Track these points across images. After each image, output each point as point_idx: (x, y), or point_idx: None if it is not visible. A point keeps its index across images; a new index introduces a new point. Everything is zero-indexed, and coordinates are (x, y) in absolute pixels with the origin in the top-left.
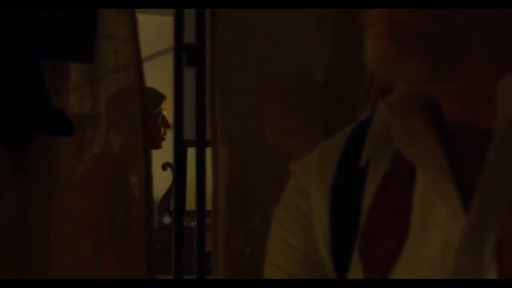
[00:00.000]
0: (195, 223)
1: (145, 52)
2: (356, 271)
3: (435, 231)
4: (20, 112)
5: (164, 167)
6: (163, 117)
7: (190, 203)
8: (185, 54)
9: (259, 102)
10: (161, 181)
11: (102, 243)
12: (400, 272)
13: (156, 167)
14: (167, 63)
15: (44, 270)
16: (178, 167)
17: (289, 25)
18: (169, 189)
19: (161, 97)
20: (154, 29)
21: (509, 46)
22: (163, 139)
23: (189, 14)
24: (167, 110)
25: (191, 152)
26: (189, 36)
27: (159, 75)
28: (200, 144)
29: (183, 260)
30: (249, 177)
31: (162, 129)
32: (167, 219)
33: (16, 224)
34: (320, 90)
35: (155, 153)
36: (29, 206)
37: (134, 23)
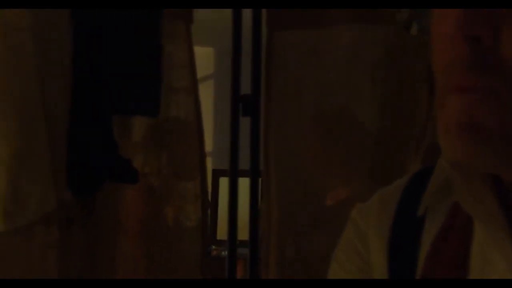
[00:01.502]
0: (226, 252)
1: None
2: None
3: (492, 275)
4: (91, 161)
5: None
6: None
7: (221, 232)
8: (241, 104)
9: (309, 147)
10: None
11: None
12: None
13: None
14: (205, 90)
15: None
16: (232, 200)
17: (340, 76)
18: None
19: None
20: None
21: None
22: None
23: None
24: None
25: (223, 182)
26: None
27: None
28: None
29: None
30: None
31: None
32: None
33: (83, 267)
34: (369, 139)
35: None
36: (94, 250)
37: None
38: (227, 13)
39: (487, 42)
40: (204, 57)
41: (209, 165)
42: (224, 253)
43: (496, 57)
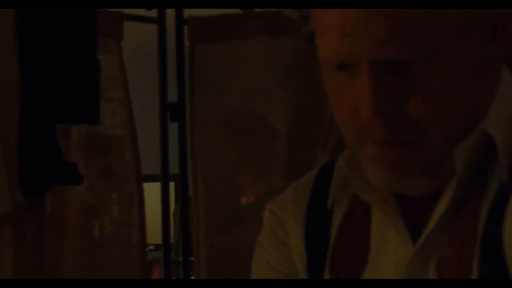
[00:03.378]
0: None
1: None
2: None
3: (389, 254)
4: (40, 166)
5: None
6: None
7: None
8: (169, 110)
9: (230, 149)
10: None
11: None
12: None
13: None
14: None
15: None
16: (164, 203)
17: (255, 83)
18: None
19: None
20: None
21: None
22: None
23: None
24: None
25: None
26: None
27: None
28: (184, 178)
29: None
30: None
31: None
32: None
33: (34, 261)
34: (280, 138)
35: None
36: (44, 245)
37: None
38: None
39: (396, 112)
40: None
41: None
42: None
43: (402, 116)
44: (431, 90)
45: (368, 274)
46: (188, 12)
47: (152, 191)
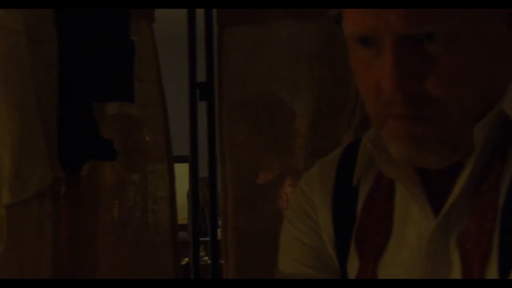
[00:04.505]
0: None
1: None
2: (353, 262)
3: (412, 227)
4: (77, 143)
5: None
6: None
7: None
8: (198, 90)
9: (260, 127)
10: None
11: (132, 259)
12: (387, 259)
13: None
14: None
15: (93, 273)
16: (193, 182)
17: (282, 67)
18: None
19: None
20: None
21: None
22: None
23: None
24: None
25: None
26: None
27: None
28: (212, 158)
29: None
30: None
31: None
32: None
33: (71, 232)
34: (304, 120)
35: None
36: (80, 222)
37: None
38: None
39: (416, 89)
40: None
41: None
42: None
43: (423, 93)
44: (451, 68)
45: (392, 247)
46: None
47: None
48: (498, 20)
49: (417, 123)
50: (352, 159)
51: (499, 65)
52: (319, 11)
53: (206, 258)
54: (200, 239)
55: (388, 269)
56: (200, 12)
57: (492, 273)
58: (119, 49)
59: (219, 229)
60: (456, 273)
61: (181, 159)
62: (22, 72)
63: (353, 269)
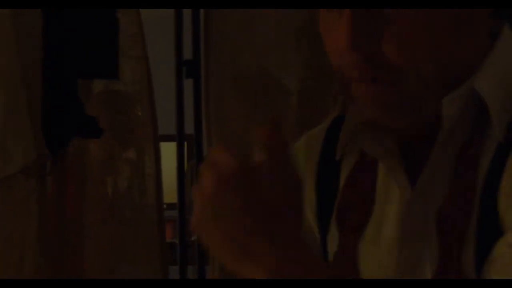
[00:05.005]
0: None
1: None
2: (334, 235)
3: (393, 205)
4: (62, 120)
5: None
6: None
7: None
8: (185, 68)
9: (242, 106)
10: None
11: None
12: (368, 237)
13: None
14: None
15: (81, 255)
16: (179, 164)
17: (270, 41)
18: None
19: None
20: None
21: None
22: None
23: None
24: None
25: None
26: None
27: None
28: (198, 138)
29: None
30: None
31: None
32: None
33: (57, 216)
34: (292, 96)
35: None
36: (66, 200)
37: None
38: None
39: (372, 50)
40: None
41: None
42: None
43: (379, 56)
44: (407, 32)
45: (373, 224)
46: None
47: (165, 151)
48: None
49: (375, 86)
50: (338, 133)
51: (463, 40)
52: None
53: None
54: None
55: (368, 247)
56: None
57: (469, 254)
58: (103, 25)
59: None
60: (433, 254)
61: (173, 138)
62: (5, 48)
63: (333, 246)
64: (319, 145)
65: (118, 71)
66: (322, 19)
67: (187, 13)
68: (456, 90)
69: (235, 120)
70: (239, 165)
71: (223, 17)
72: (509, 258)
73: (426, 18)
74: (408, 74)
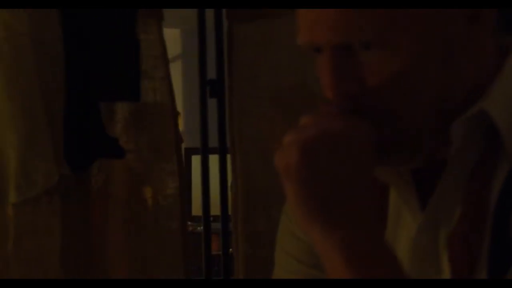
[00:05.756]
0: (201, 228)
1: None
2: None
3: (404, 230)
4: (85, 141)
5: None
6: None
7: (196, 208)
8: (209, 87)
9: (267, 122)
10: None
11: (140, 250)
12: None
13: None
14: (173, 71)
15: (104, 274)
16: (204, 177)
17: (291, 61)
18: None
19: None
20: None
21: None
22: None
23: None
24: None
25: (195, 160)
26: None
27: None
28: (222, 152)
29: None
30: (259, 184)
31: None
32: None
33: (80, 236)
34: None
35: None
36: (89, 219)
37: (162, 42)
38: None
39: (359, 96)
40: (171, 38)
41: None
42: (200, 228)
43: (367, 99)
44: (393, 75)
45: None
46: None
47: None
48: (452, 20)
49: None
50: None
51: (460, 64)
52: None
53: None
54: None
55: None
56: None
57: (481, 277)
58: (126, 47)
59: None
60: (444, 277)
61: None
62: (27, 72)
63: None
64: None
65: (140, 93)
66: (316, 60)
67: (209, 33)
68: (464, 114)
69: (258, 136)
70: (320, 133)
71: (244, 37)
72: None
73: (411, 58)
74: (402, 115)
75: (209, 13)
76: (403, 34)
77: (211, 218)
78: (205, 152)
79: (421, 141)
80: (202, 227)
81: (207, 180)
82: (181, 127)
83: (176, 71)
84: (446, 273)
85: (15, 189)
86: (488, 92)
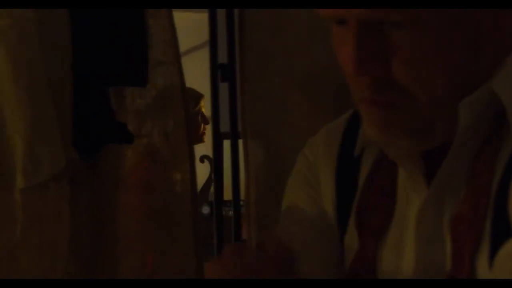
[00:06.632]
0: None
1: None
2: (352, 238)
3: (413, 209)
4: (93, 126)
5: (202, 159)
6: (203, 114)
7: (228, 193)
8: (220, 72)
9: (280, 106)
10: (199, 173)
11: (152, 236)
12: (390, 239)
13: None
14: (204, 57)
15: (114, 260)
16: (216, 159)
17: (301, 44)
18: (207, 181)
19: (200, 96)
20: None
21: None
22: (204, 134)
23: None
24: (205, 107)
25: (226, 144)
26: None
27: (197, 69)
28: (234, 138)
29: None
30: (274, 167)
31: (202, 125)
32: (205, 209)
33: (90, 222)
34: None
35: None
36: (99, 205)
37: (172, 27)
38: None
39: (380, 74)
40: (199, 23)
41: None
42: (231, 213)
43: (389, 79)
44: (418, 55)
45: (394, 229)
46: None
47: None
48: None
49: (383, 108)
50: (358, 126)
51: (481, 52)
52: None
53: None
54: None
55: (389, 252)
56: None
57: (483, 259)
58: (134, 33)
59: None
60: (447, 257)
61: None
62: (33, 58)
63: (352, 246)
64: (339, 137)
65: (147, 79)
66: (334, 32)
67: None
68: (472, 94)
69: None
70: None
71: (256, 22)
72: (507, 266)
73: (436, 39)
74: (421, 96)
75: None
76: (435, 14)
77: (241, 203)
78: (216, 138)
79: (436, 124)
80: (232, 212)
81: (221, 169)
82: (204, 109)
83: (205, 56)
84: (449, 254)
85: (22, 175)
86: (496, 73)
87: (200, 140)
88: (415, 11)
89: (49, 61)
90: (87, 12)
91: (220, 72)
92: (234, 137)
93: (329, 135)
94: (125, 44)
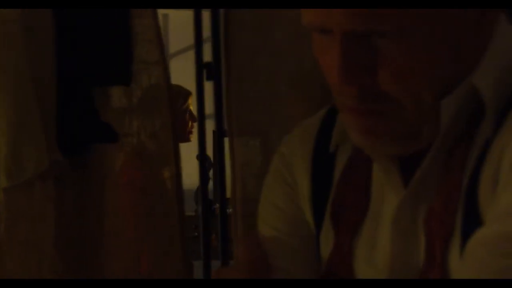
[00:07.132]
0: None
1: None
2: (328, 235)
3: (388, 206)
4: (77, 126)
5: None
6: (191, 111)
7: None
8: (205, 70)
9: (267, 104)
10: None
11: (141, 235)
12: (365, 235)
13: (192, 158)
14: (191, 57)
15: (101, 260)
16: (201, 158)
17: (288, 42)
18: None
19: (187, 94)
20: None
21: None
22: (191, 132)
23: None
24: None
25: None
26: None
27: (185, 69)
28: (220, 136)
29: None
30: (260, 166)
31: (190, 123)
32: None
33: (77, 221)
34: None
35: (192, 145)
36: (85, 204)
37: (157, 26)
38: None
39: (366, 83)
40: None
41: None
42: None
43: (375, 87)
44: (403, 63)
45: (368, 224)
46: None
47: None
48: (464, 11)
49: (369, 117)
50: (333, 123)
51: (464, 50)
52: None
53: None
54: None
55: (364, 247)
56: None
57: (455, 253)
58: (118, 32)
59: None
60: (422, 252)
61: None
62: (17, 59)
63: (327, 243)
64: (314, 134)
65: (131, 78)
66: (314, 40)
67: (206, 14)
68: (453, 92)
69: (255, 119)
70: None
71: (241, 22)
72: (478, 254)
73: (421, 47)
74: (407, 104)
75: None
76: (421, 22)
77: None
78: (201, 135)
79: (423, 128)
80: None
81: (205, 167)
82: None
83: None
84: (422, 249)
85: (5, 175)
86: (477, 68)
87: (187, 139)
88: (399, 20)
89: (33, 61)
90: (71, 11)
91: (205, 70)
92: (220, 135)
93: (305, 132)
94: (109, 44)
